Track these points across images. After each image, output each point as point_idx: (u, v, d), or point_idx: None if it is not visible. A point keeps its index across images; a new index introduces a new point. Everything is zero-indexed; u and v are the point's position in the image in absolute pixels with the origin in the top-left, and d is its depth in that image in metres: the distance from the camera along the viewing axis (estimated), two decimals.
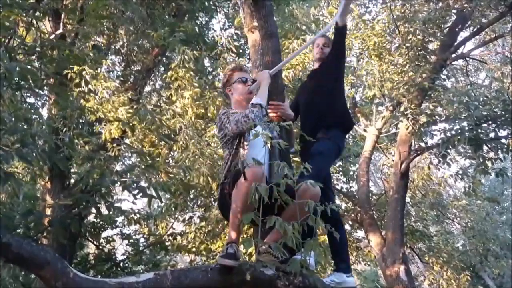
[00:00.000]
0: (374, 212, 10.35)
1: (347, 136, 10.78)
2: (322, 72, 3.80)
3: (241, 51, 9.59)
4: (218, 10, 10.23)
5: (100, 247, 9.08)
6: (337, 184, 12.00)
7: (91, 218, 8.90)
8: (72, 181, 7.54)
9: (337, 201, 11.94)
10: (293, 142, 3.63)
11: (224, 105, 7.50)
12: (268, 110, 3.52)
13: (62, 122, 6.56)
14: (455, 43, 8.81)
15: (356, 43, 9.62)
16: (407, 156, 8.77)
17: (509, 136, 6.82)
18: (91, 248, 10.67)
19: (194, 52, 7.66)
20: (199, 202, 9.35)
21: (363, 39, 9.31)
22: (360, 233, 12.11)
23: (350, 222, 11.16)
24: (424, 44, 8.74)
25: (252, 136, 3.15)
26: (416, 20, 8.45)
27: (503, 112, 6.66)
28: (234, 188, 2.87)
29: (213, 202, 8.89)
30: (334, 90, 3.71)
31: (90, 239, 9.01)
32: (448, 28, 8.93)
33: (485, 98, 7.23)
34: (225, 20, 10.29)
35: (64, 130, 6.48)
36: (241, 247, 2.92)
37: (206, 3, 9.70)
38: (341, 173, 12.06)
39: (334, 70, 3.74)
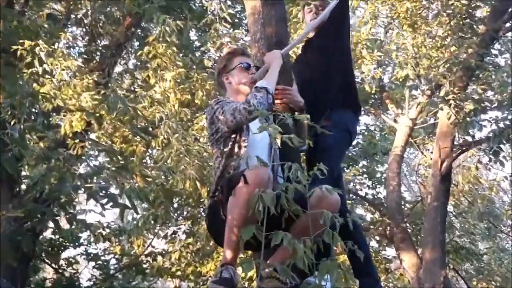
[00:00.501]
0: (407, 224, 10.37)
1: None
2: (319, 42, 3.84)
3: (236, 20, 9.61)
4: None
5: (60, 270, 9.11)
6: (361, 190, 12.04)
7: (47, 233, 8.93)
8: (24, 187, 7.53)
9: (361, 211, 12.02)
10: (305, 137, 3.58)
11: (217, 91, 7.53)
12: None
13: (9, 113, 6.54)
14: (510, 9, 8.78)
15: (383, 10, 9.59)
16: (449, 153, 8.77)
17: None
18: (48, 272, 10.71)
19: (177, 22, 7.70)
20: (185, 213, 9.39)
21: (392, 4, 9.28)
22: (390, 251, 12.13)
23: (377, 238, 11.19)
24: (470, 10, 8.72)
25: (253, 131, 3.19)
26: None
27: None
28: (231, 196, 2.85)
29: (202, 214, 8.90)
30: (331, 64, 3.75)
31: (46, 260, 9.04)
32: None
33: None
34: None
35: (12, 123, 6.47)
36: (239, 270, 2.93)
37: None
38: (365, 175, 12.09)
39: (333, 39, 3.78)
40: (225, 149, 3.23)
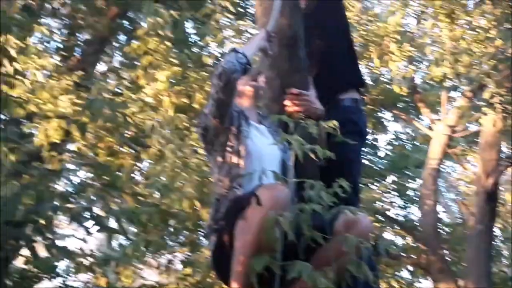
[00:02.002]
0: (446, 251, 10.35)
1: None
2: (312, 17, 3.89)
3: (241, 10, 9.66)
4: None
5: None
6: (389, 210, 12.04)
7: (18, 263, 8.92)
8: None
9: (391, 236, 11.93)
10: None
11: None
12: (286, 102, 3.52)
13: None
14: None
15: None
16: (494, 166, 8.79)
17: None
18: None
19: (171, 12, 7.78)
20: (182, 238, 9.36)
21: None
22: (426, 284, 12.19)
23: (410, 267, 11.16)
24: None
25: (255, 142, 3.20)
26: None
27: None
28: (240, 220, 2.85)
29: (202, 239, 8.94)
30: (330, 46, 3.83)
31: None
32: None
33: None
34: None
35: None
36: None
37: None
38: (395, 193, 12.07)
39: (327, 12, 3.90)
40: (220, 158, 3.21)
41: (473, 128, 10.93)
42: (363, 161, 3.99)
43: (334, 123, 3.09)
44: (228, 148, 3.20)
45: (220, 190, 3.18)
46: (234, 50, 3.20)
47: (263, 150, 3.21)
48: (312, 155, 2.85)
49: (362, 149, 3.85)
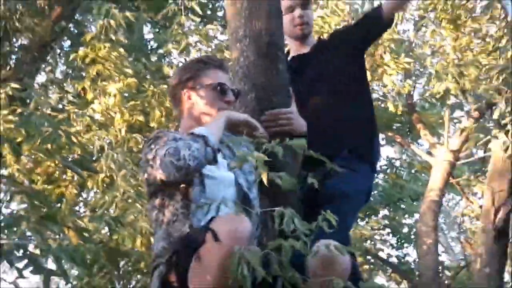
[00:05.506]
0: None
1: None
2: (334, 58, 4.02)
3: (209, 12, 9.76)
4: None
5: None
6: (382, 250, 12.16)
7: None
8: None
9: (383, 280, 12.23)
10: (297, 172, 3.63)
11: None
12: (265, 121, 3.56)
13: None
14: None
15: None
16: (505, 199, 8.81)
17: None
18: None
19: (127, 13, 7.80)
20: (134, 283, 9.34)
21: None
22: None
23: None
24: None
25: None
26: None
27: None
28: (193, 263, 2.81)
29: None
30: (358, 93, 4.00)
31: None
32: None
33: None
34: None
35: None
36: None
37: None
38: (388, 229, 12.11)
39: (356, 49, 4.05)
40: (167, 197, 3.17)
41: (480, 153, 11.10)
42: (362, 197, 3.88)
43: (302, 143, 3.03)
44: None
45: (165, 231, 3.14)
46: (204, 140, 3.09)
47: (219, 176, 3.22)
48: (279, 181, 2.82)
49: (364, 195, 3.84)
